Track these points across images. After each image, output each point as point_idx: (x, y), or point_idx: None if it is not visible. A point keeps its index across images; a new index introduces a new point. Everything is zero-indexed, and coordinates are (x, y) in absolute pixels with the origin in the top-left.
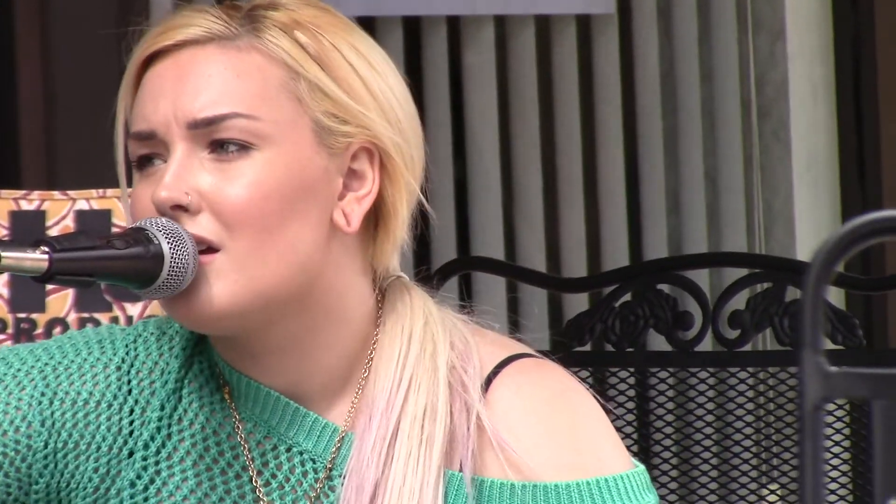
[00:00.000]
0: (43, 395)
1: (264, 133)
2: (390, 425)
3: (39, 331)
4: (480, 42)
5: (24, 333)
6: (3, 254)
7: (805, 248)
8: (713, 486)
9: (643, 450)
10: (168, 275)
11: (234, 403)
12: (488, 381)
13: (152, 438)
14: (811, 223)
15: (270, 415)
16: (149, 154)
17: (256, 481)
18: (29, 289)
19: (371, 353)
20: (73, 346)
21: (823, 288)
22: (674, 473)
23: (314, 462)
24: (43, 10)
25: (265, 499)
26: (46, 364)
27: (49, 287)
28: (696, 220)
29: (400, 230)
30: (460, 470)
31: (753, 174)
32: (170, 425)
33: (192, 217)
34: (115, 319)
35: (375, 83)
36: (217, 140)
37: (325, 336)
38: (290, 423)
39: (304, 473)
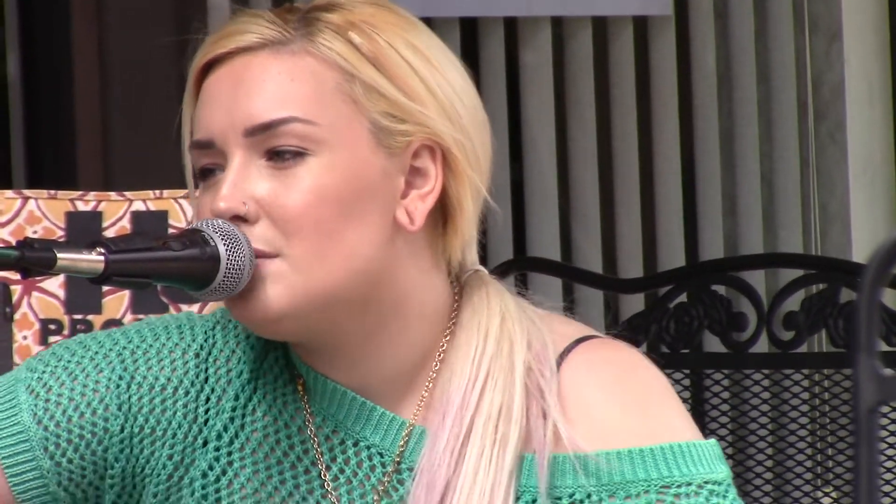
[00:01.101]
0: (121, 378)
1: (321, 137)
2: (464, 424)
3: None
4: (537, 43)
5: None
6: (59, 255)
7: (861, 249)
8: (768, 487)
9: None
10: (224, 276)
11: (306, 397)
12: (559, 362)
13: (225, 429)
14: (867, 225)
15: (338, 409)
16: (209, 165)
17: (325, 476)
18: (85, 290)
19: (443, 346)
20: (152, 330)
21: (879, 290)
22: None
23: (382, 456)
24: (99, 12)
25: (334, 493)
26: (125, 348)
27: (105, 288)
28: (752, 222)
29: (467, 225)
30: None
31: (809, 176)
32: (243, 416)
33: (251, 226)
34: None
35: (434, 79)
36: (273, 147)
37: (392, 333)
38: (358, 417)
39: (372, 468)
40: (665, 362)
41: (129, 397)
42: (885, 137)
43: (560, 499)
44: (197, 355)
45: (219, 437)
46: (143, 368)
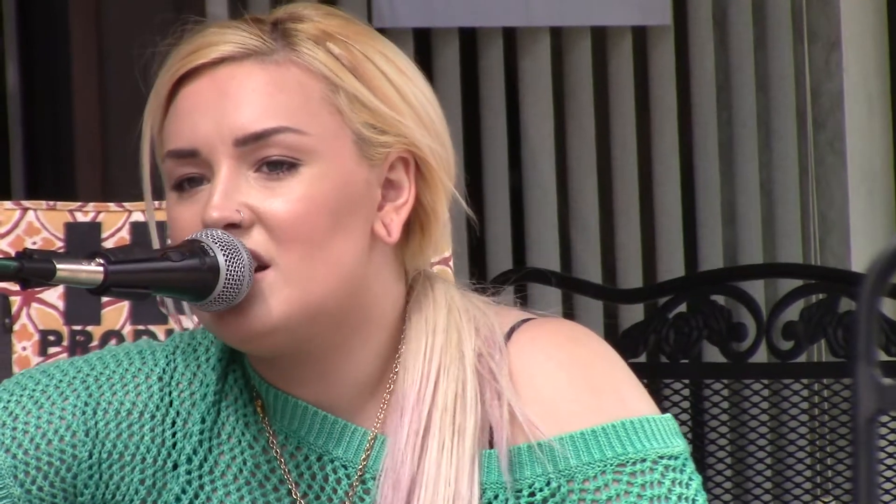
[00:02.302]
0: (86, 405)
1: (311, 148)
2: (422, 419)
3: (95, 343)
4: (536, 53)
5: (79, 346)
6: (59, 266)
7: (860, 259)
8: (767, 497)
9: (698, 461)
10: (224, 287)
11: (265, 416)
12: (506, 341)
13: (195, 452)
14: (866, 234)
15: (300, 426)
16: (191, 175)
17: (295, 493)
18: (84, 301)
19: (399, 353)
20: (114, 357)
21: (878, 300)
22: (728, 485)
23: (346, 468)
24: (98, 22)
25: None
26: (88, 375)
27: (104, 299)
28: (752, 231)
29: (440, 232)
30: (491, 446)
31: (808, 185)
32: (210, 438)
33: (244, 232)
34: (170, 332)
35: (408, 89)
36: (264, 158)
37: (356, 345)
38: (320, 432)
39: (338, 480)
40: (664, 372)
41: (96, 423)
42: (885, 147)
43: (520, 491)
44: (160, 379)
45: (189, 460)
46: (108, 394)
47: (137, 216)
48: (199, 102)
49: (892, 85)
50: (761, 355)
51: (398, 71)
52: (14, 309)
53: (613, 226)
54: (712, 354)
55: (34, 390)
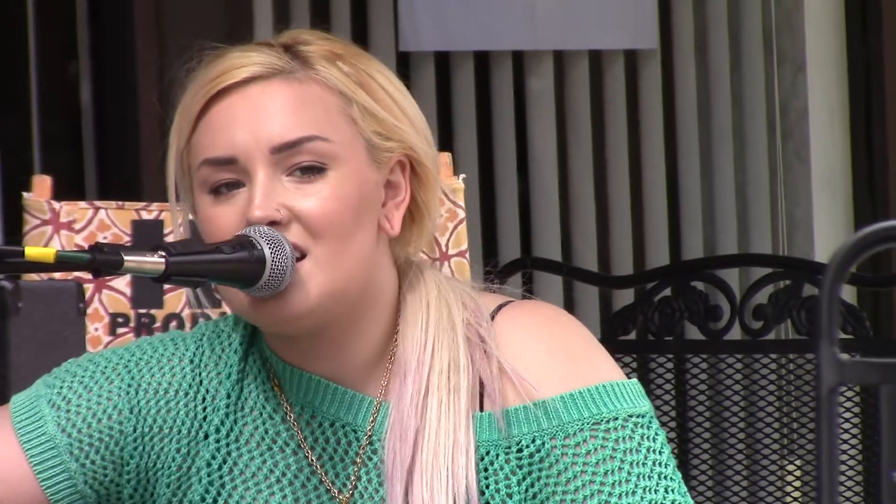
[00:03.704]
0: (129, 386)
1: (335, 153)
2: (422, 381)
3: (158, 324)
4: (541, 73)
5: (144, 327)
6: (126, 258)
7: (822, 251)
8: (740, 457)
9: (680, 426)
10: (269, 276)
11: (281, 391)
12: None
13: (222, 423)
14: (828, 230)
15: (314, 397)
16: (228, 180)
17: (310, 455)
18: (148, 288)
19: (397, 330)
20: (151, 344)
21: (838, 289)
22: (706, 447)
23: (356, 432)
24: (160, 47)
25: (320, 469)
26: (129, 360)
27: (166, 286)
28: (728, 227)
29: (432, 225)
30: (481, 410)
31: (777, 187)
32: (235, 411)
33: (284, 228)
34: (224, 314)
35: (404, 101)
36: (296, 163)
37: (365, 324)
38: (332, 401)
39: (349, 443)
40: (651, 348)
41: (138, 401)
42: (844, 155)
43: (510, 447)
44: (192, 361)
45: (217, 430)
46: (148, 376)
47: None
48: (235, 116)
49: (851, 101)
50: (735, 333)
51: (393, 86)
52: (87, 295)
53: (607, 222)
54: (693, 333)
55: (83, 377)
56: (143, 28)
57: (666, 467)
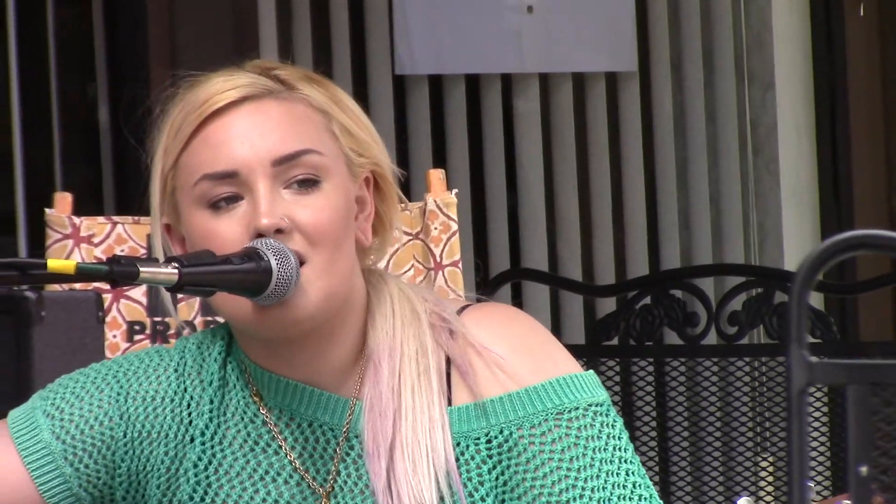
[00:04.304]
0: (118, 394)
1: (327, 167)
2: (395, 366)
3: (172, 331)
4: (528, 95)
5: (159, 334)
6: (142, 269)
7: (791, 260)
8: (717, 454)
9: (660, 425)
10: (275, 285)
11: (259, 397)
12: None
13: (207, 427)
14: (796, 239)
15: (292, 400)
16: (228, 194)
17: (290, 455)
18: (163, 297)
19: (368, 327)
20: (137, 356)
21: (807, 295)
22: (685, 444)
23: (333, 430)
24: (173, 63)
25: (301, 468)
26: (118, 371)
27: (179, 296)
28: (703, 237)
29: (391, 236)
30: (450, 404)
31: (749, 199)
32: (218, 416)
33: (288, 237)
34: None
35: (367, 121)
36: (293, 176)
37: (343, 328)
38: (309, 403)
39: (328, 441)
40: (633, 353)
41: (128, 409)
42: (810, 169)
43: (478, 439)
44: (176, 370)
45: (202, 434)
46: (136, 385)
47: None
48: (234, 132)
49: (817, 117)
50: (711, 338)
51: (358, 108)
52: (106, 304)
53: (591, 232)
54: (671, 338)
55: (75, 388)
56: (156, 53)
57: (625, 451)
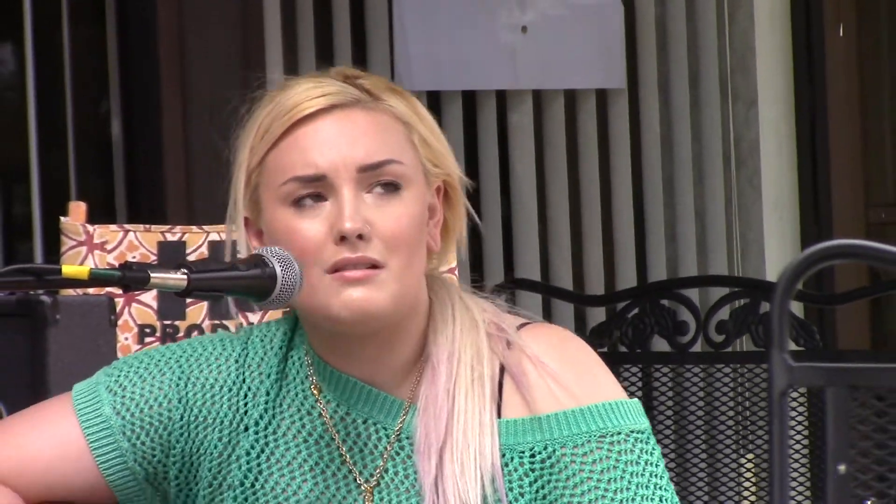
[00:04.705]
0: (179, 379)
1: (408, 176)
2: (453, 370)
3: (181, 334)
4: (522, 110)
5: (168, 336)
6: (152, 275)
7: (772, 269)
8: (703, 455)
9: None
10: (279, 291)
11: (317, 390)
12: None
13: (261, 417)
14: (777, 250)
15: (350, 396)
16: (314, 193)
17: (342, 448)
18: (173, 302)
19: (428, 334)
20: (201, 343)
21: (788, 302)
22: (672, 446)
23: (386, 429)
24: (184, 88)
25: (350, 461)
26: (181, 356)
27: (188, 300)
28: (688, 248)
29: (454, 243)
30: (499, 417)
31: (732, 212)
32: (274, 407)
33: (367, 243)
34: (239, 325)
35: (441, 133)
36: (376, 182)
37: (406, 330)
38: (366, 401)
39: (379, 439)
40: (623, 360)
41: (187, 393)
42: (791, 183)
43: (523, 452)
44: (237, 361)
45: (256, 423)
46: (196, 371)
47: (214, 236)
48: (323, 138)
49: (798, 134)
50: (699, 346)
51: (433, 119)
52: (118, 308)
53: (581, 243)
54: (661, 346)
55: (139, 368)
56: (167, 69)
57: (661, 479)
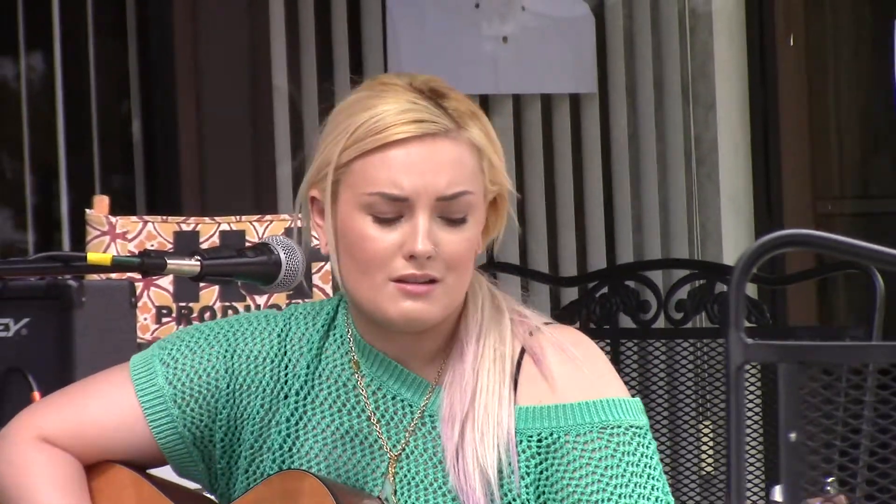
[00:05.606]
0: (226, 351)
1: (475, 205)
2: (479, 350)
3: (195, 315)
4: (503, 113)
5: (183, 318)
6: (169, 261)
7: (729, 256)
8: (665, 422)
9: None
10: (284, 276)
11: (356, 365)
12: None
13: (301, 387)
14: (733, 238)
15: (383, 373)
16: (395, 213)
17: (372, 419)
18: (187, 285)
19: (460, 321)
20: (247, 319)
21: (744, 285)
22: None
23: (411, 407)
24: (198, 90)
25: (378, 430)
26: (228, 331)
27: (202, 284)
28: (653, 235)
29: (489, 242)
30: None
31: (692, 204)
32: (313, 379)
33: (433, 263)
34: (247, 307)
35: (500, 145)
36: (449, 210)
37: (441, 322)
38: (396, 379)
39: (405, 414)
40: (592, 335)
41: (233, 364)
42: (746, 178)
43: (531, 437)
44: (279, 335)
45: (297, 393)
46: (242, 344)
47: (224, 227)
48: (412, 164)
49: (752, 135)
50: (661, 323)
51: (496, 137)
52: (138, 291)
53: (556, 233)
54: (626, 322)
55: (189, 341)
56: (182, 76)
57: (654, 470)
